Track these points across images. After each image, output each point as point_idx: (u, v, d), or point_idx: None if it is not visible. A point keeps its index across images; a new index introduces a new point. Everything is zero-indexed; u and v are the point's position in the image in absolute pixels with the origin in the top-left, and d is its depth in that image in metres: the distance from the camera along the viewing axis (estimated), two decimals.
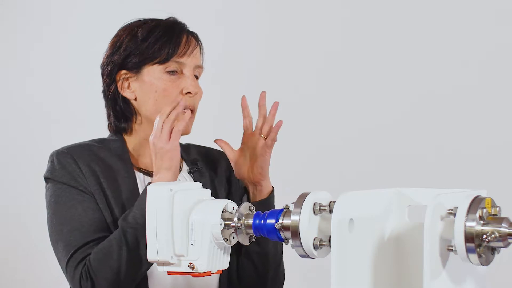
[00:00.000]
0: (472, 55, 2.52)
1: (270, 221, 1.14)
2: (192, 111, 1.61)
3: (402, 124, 2.64)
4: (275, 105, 1.63)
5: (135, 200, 1.53)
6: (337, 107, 2.78)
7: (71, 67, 3.48)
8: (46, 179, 1.59)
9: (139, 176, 1.60)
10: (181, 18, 1.67)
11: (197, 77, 1.64)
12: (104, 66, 1.63)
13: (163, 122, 1.49)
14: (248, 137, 1.63)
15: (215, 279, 1.63)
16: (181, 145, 1.72)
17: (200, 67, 1.63)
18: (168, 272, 1.19)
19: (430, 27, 2.60)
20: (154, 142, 1.49)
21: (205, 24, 3.07)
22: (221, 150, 1.73)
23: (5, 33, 3.78)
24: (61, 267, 1.54)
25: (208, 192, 1.26)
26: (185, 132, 1.60)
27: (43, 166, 1.59)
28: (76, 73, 3.43)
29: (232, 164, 1.65)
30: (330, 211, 1.08)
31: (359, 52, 2.74)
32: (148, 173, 1.61)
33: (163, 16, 1.65)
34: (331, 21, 2.81)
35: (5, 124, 3.77)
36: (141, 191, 1.57)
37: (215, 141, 1.67)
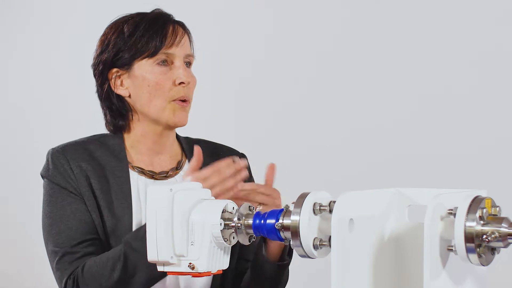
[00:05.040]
0: (472, 55, 2.52)
1: (270, 221, 1.14)
2: (187, 101, 1.60)
3: (402, 124, 2.64)
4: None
5: (124, 200, 1.54)
6: (337, 107, 2.78)
7: (70, 65, 3.47)
8: (42, 176, 1.60)
9: (133, 176, 1.60)
10: (178, 16, 1.66)
11: (189, 65, 1.62)
12: (95, 66, 1.62)
13: (217, 184, 1.40)
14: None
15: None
16: (189, 141, 1.72)
17: (190, 55, 1.62)
18: (168, 272, 1.19)
19: (430, 27, 2.60)
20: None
21: (202, 23, 3.08)
22: (233, 148, 1.72)
23: (5, 33, 3.78)
24: (51, 266, 1.55)
25: (208, 192, 1.26)
26: (181, 124, 1.59)
27: (41, 164, 1.60)
28: (75, 71, 3.43)
29: None
30: (330, 211, 1.07)
31: (359, 52, 2.74)
32: (143, 172, 1.61)
33: (149, 9, 1.64)
34: (331, 21, 2.81)
35: (5, 123, 3.77)
36: (133, 191, 1.57)
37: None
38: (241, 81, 2.98)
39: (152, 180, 1.60)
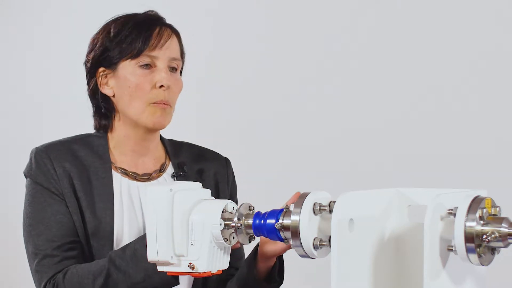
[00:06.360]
0: (472, 55, 2.52)
1: (270, 221, 1.14)
2: (168, 105, 1.56)
3: (402, 124, 2.64)
4: None
5: (107, 201, 1.53)
6: (337, 107, 2.78)
7: (65, 64, 3.46)
8: (25, 175, 1.59)
9: (116, 177, 1.58)
10: (173, 17, 1.65)
11: (175, 70, 1.59)
12: (84, 64, 1.62)
13: None
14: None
15: None
16: (173, 143, 1.69)
17: (176, 59, 1.59)
18: (168, 272, 1.19)
19: (431, 27, 2.60)
20: None
21: (197, 23, 3.07)
22: (217, 152, 1.71)
23: (4, 32, 3.78)
24: (30, 267, 1.54)
25: (208, 192, 1.26)
26: (160, 126, 1.57)
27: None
28: (70, 70, 3.43)
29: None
30: (330, 211, 1.08)
31: (359, 51, 2.74)
32: (126, 173, 1.59)
33: (144, 10, 1.62)
34: (331, 20, 2.81)
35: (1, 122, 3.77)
36: (115, 192, 1.56)
37: None
38: (238, 81, 2.98)
39: (135, 182, 1.59)
